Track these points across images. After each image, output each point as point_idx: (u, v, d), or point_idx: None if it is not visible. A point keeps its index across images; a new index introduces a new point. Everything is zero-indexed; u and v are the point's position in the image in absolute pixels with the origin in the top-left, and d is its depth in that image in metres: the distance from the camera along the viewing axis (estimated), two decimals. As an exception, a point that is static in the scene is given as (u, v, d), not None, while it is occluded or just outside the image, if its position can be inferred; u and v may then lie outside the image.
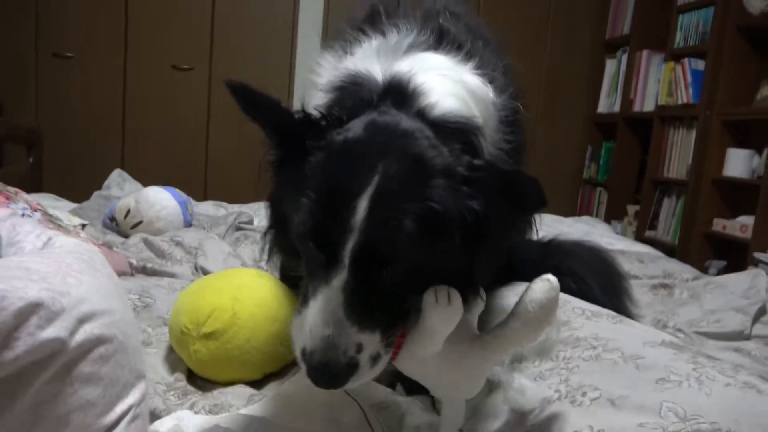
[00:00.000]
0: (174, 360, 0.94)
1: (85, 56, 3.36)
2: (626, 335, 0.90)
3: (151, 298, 1.12)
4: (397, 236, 0.57)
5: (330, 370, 0.58)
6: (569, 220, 2.55)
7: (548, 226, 1.81)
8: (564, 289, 1.11)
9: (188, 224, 1.78)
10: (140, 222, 1.69)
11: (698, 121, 3.05)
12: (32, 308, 0.49)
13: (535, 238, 1.02)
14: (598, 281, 1.15)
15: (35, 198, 1.45)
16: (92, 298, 0.57)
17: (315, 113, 0.66)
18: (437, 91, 0.69)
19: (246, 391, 0.87)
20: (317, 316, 0.58)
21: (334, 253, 0.58)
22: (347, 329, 0.58)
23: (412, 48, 0.76)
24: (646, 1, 3.54)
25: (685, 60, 3.14)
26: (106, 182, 2.45)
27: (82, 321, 0.54)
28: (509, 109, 0.80)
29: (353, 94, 0.70)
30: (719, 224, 2.95)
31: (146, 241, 1.55)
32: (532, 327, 0.66)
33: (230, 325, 0.86)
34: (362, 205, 0.57)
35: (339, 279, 0.58)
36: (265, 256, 0.85)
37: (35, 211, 1.27)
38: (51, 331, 0.50)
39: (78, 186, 2.68)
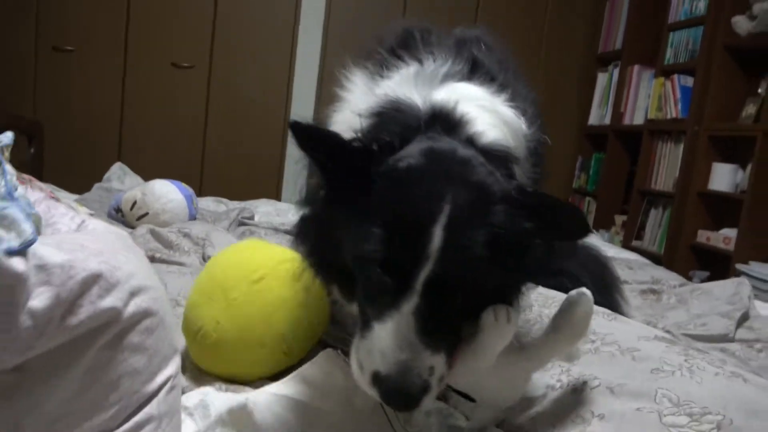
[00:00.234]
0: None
1: (86, 51, 3.36)
2: (622, 331, 0.96)
3: (162, 282, 1.16)
4: (470, 263, 0.60)
5: (406, 393, 0.59)
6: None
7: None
8: (559, 287, 1.17)
9: (192, 217, 1.82)
10: (146, 214, 1.73)
11: (686, 136, 3.14)
12: (94, 278, 0.53)
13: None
14: (592, 280, 1.21)
15: (45, 186, 1.48)
16: (139, 274, 0.62)
17: (370, 141, 0.66)
18: (481, 121, 0.72)
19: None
20: (391, 341, 0.59)
21: (407, 280, 0.59)
22: (421, 353, 0.59)
23: (448, 77, 0.78)
24: (638, 18, 3.64)
25: (675, 76, 3.24)
26: (107, 175, 2.47)
27: (133, 294, 0.58)
28: (536, 140, 0.83)
29: (396, 120, 0.71)
30: (703, 236, 3.05)
31: (153, 232, 1.58)
32: (571, 339, 0.72)
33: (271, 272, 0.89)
34: (437, 234, 0.58)
35: (410, 304, 0.59)
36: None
37: (50, 198, 1.30)
38: (109, 301, 0.54)
39: (75, 179, 2.69)
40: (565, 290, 1.15)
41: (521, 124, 0.78)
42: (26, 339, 0.47)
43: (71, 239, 0.58)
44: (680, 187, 3.15)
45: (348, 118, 0.81)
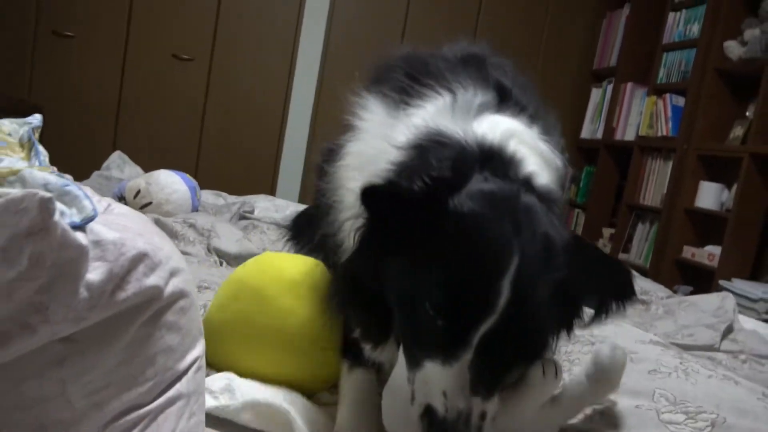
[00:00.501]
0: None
1: (87, 38, 3.35)
2: (619, 334, 1.01)
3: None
4: (534, 319, 0.61)
5: None
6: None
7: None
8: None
9: (195, 209, 1.84)
10: (150, 203, 1.74)
11: (675, 154, 3.23)
12: (141, 257, 0.55)
13: None
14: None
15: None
16: (174, 256, 0.64)
17: (425, 179, 0.64)
18: (531, 162, 0.72)
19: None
20: (449, 384, 0.59)
21: (466, 330, 0.59)
22: (476, 400, 0.60)
23: (482, 108, 0.77)
24: (633, 37, 3.73)
25: (667, 95, 3.33)
26: (106, 163, 2.46)
27: (172, 274, 0.61)
28: (566, 173, 0.84)
29: (443, 155, 0.69)
30: (689, 251, 3.13)
31: (158, 222, 1.59)
32: (605, 391, 0.74)
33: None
34: (505, 288, 0.58)
35: (469, 354, 0.59)
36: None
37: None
38: (153, 279, 0.57)
39: (71, 166, 2.67)
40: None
41: (557, 160, 0.79)
42: (81, 310, 0.49)
43: (113, 220, 0.61)
44: (668, 203, 3.23)
45: (367, 150, 0.79)
